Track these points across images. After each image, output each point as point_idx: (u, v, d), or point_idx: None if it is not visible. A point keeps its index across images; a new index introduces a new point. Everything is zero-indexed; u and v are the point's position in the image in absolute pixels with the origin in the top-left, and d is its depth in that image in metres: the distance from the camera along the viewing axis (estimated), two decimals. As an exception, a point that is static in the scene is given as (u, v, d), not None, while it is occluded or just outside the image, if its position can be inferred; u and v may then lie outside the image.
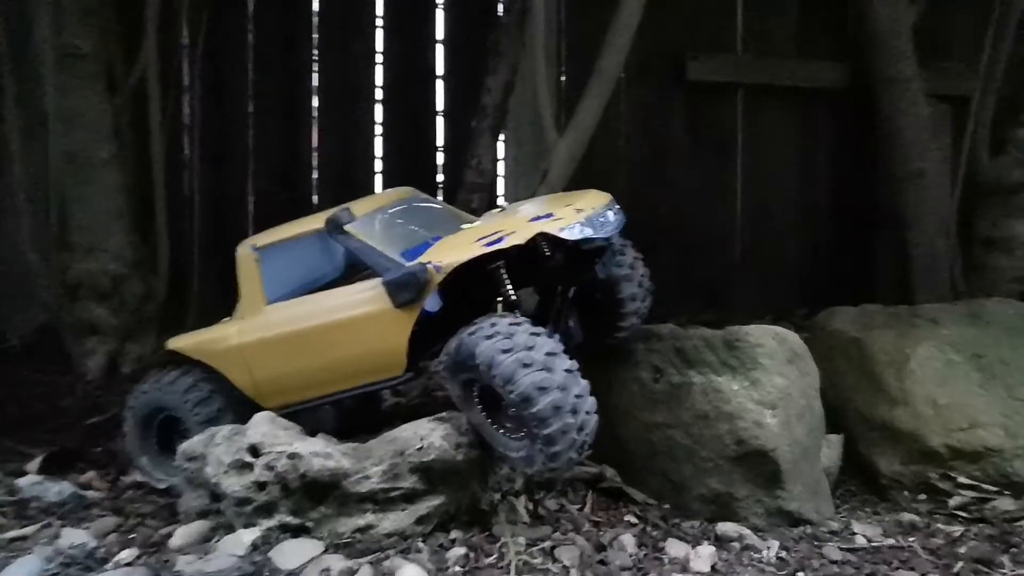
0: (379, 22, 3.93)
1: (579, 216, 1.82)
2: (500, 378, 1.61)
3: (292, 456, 1.75)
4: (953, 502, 2.12)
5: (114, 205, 3.04)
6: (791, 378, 2.04)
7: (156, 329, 3.20)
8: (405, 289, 1.77)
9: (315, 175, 3.87)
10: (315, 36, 3.83)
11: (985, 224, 3.54)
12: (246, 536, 1.72)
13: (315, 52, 3.81)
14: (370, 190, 3.98)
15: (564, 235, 1.77)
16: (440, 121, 4.08)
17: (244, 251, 2.03)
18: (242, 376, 1.98)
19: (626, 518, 1.99)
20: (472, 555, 1.72)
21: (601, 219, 1.87)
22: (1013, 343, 2.40)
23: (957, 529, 1.98)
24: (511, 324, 1.67)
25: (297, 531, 1.76)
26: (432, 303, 1.86)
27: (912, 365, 2.30)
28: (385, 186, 3.99)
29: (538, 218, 1.81)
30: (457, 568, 1.67)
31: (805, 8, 4.31)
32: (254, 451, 1.78)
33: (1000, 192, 3.50)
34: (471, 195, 3.23)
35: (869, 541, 1.92)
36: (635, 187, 4.07)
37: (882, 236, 4.06)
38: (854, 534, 1.96)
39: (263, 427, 1.82)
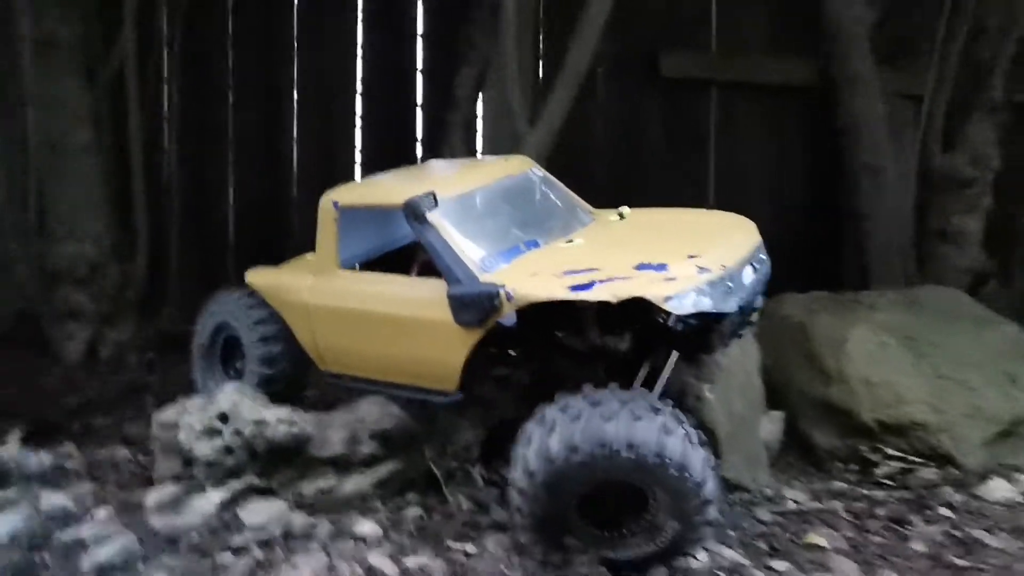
0: (359, 16, 4.02)
1: (700, 279, 1.47)
2: (676, 467, 1.36)
3: (259, 423, 1.88)
4: (880, 471, 2.28)
5: (93, 192, 3.10)
6: (731, 356, 2.18)
7: (135, 315, 3.28)
8: (470, 309, 1.56)
9: (295, 165, 3.97)
10: (295, 28, 3.89)
11: (937, 217, 3.68)
12: (215, 496, 1.84)
13: (295, 44, 3.88)
14: (350, 180, 4.08)
15: (669, 307, 1.45)
16: (419, 114, 4.19)
17: (327, 204, 1.90)
18: (305, 334, 1.94)
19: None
20: (426, 515, 1.86)
21: (731, 283, 1.52)
22: (943, 327, 2.56)
23: (880, 494, 2.14)
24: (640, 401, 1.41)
25: (263, 492, 1.89)
26: (508, 319, 1.63)
27: (848, 347, 2.45)
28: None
29: (646, 266, 1.50)
30: (411, 526, 1.80)
31: (777, 7, 4.41)
32: (224, 418, 1.91)
33: (952, 187, 3.63)
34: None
35: (798, 505, 2.07)
36: (612, 178, 4.18)
37: (848, 227, 4.20)
38: (785, 499, 2.11)
39: (232, 396, 1.94)
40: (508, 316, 1.60)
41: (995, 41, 3.46)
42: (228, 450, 1.88)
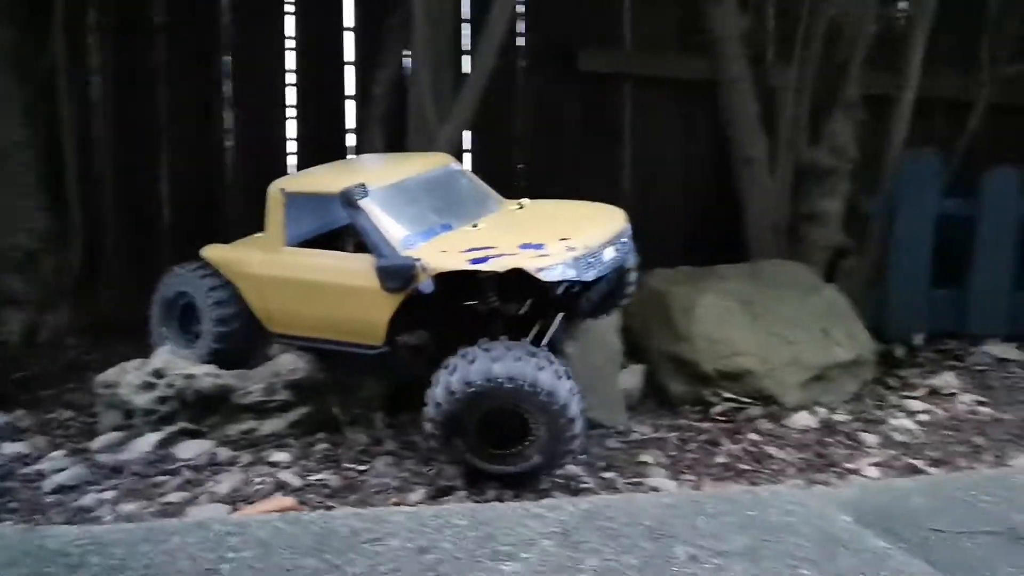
0: (289, 8, 4.17)
1: (567, 255, 1.90)
2: (545, 393, 1.81)
3: (188, 376, 2.26)
4: (716, 410, 2.79)
5: (27, 184, 3.31)
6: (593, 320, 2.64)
7: (71, 300, 3.50)
8: (393, 278, 1.97)
9: (228, 153, 4.20)
10: (225, 18, 4.03)
11: (805, 202, 4.21)
12: (152, 437, 2.22)
13: (227, 35, 4.04)
14: (282, 170, 4.32)
15: (541, 276, 1.88)
16: (350, 105, 4.48)
17: (275, 191, 2.27)
18: (256, 299, 2.30)
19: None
20: (332, 449, 2.28)
21: (591, 259, 1.95)
22: (777, 294, 3.09)
23: (708, 426, 2.65)
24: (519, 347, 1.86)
25: (194, 434, 2.28)
26: (426, 286, 2.02)
27: (697, 311, 2.95)
28: (298, 167, 4.34)
29: (528, 246, 1.93)
30: (318, 455, 2.22)
31: (685, 7, 4.81)
32: (158, 374, 2.28)
33: (816, 175, 4.17)
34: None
35: (642, 436, 2.57)
36: (533, 168, 4.55)
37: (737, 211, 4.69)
38: (633, 432, 2.60)
39: (165, 356, 2.32)
40: (426, 284, 2.03)
41: (849, 46, 3.97)
42: (163, 400, 2.26)
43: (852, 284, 3.88)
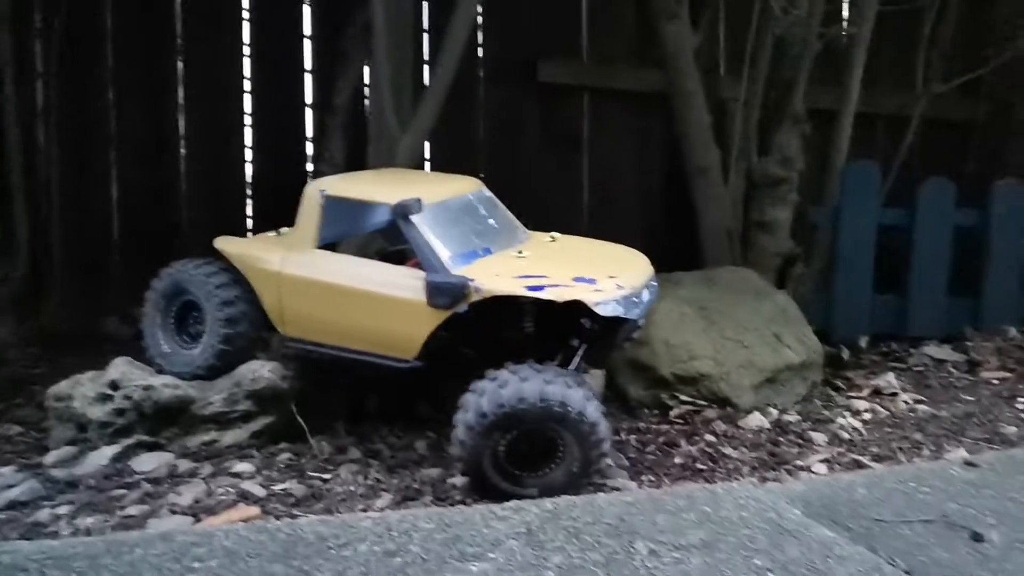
0: (245, 15, 4.16)
1: (618, 293, 1.99)
2: (576, 413, 1.87)
3: (147, 388, 2.22)
4: (673, 413, 2.88)
5: None
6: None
7: (15, 311, 3.39)
8: (443, 295, 1.97)
9: (183, 160, 4.10)
10: (179, 22, 3.96)
11: (756, 210, 4.38)
12: (108, 451, 2.17)
13: (179, 40, 3.98)
14: (239, 179, 4.27)
15: (599, 310, 1.95)
16: (308, 113, 4.46)
17: (313, 192, 2.19)
18: (271, 299, 2.18)
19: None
20: (295, 459, 2.27)
21: (636, 299, 2.04)
22: (730, 299, 3.21)
23: (666, 428, 2.73)
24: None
25: (153, 447, 2.24)
26: (464, 307, 2.03)
27: (655, 316, 3.04)
28: (255, 175, 4.30)
29: (581, 279, 1.99)
30: (281, 465, 2.21)
31: (641, 22, 4.96)
32: (114, 386, 2.24)
33: (766, 185, 4.34)
34: (325, 183, 3.69)
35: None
36: (494, 176, 4.59)
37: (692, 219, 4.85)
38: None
39: (122, 367, 2.27)
40: (462, 305, 2.03)
41: (795, 64, 4.16)
42: (119, 412, 2.21)
43: (801, 290, 4.06)
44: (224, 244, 2.28)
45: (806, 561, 1.58)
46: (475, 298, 1.97)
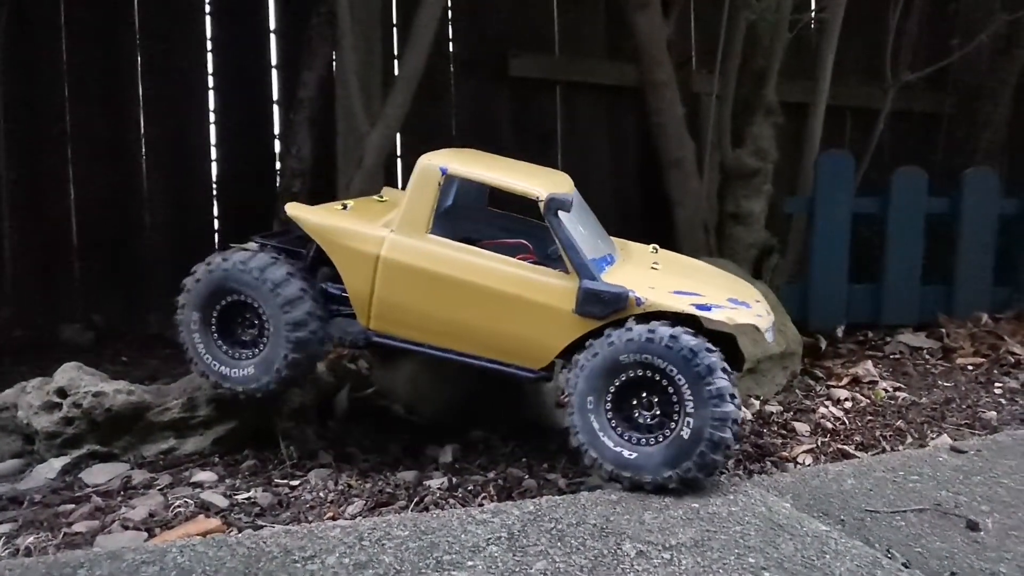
0: (208, 9, 4.01)
1: (769, 319, 1.88)
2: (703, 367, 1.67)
3: (97, 394, 2.07)
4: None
5: None
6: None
7: None
8: (598, 304, 1.75)
9: (144, 158, 3.96)
10: (137, 18, 3.81)
11: (730, 202, 4.35)
12: (56, 463, 2.02)
13: (138, 33, 3.82)
14: (204, 178, 4.10)
15: (767, 337, 1.86)
16: (275, 109, 4.31)
17: (430, 165, 1.88)
18: (360, 285, 1.85)
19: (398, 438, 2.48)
20: (261, 466, 2.14)
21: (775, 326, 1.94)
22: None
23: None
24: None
25: (105, 457, 2.09)
26: (615, 318, 1.80)
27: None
28: (221, 173, 4.13)
29: (735, 301, 1.84)
30: (245, 472, 2.08)
31: (612, 15, 4.93)
32: (62, 393, 2.08)
33: (741, 176, 4.32)
34: (292, 180, 3.56)
35: (584, 437, 2.53)
36: (465, 170, 4.51)
37: (666, 211, 4.82)
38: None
39: (70, 373, 2.12)
40: (614, 316, 1.80)
41: (767, 54, 4.14)
42: (68, 421, 2.06)
43: (777, 280, 4.04)
44: (302, 212, 1.91)
45: (802, 558, 1.51)
46: (636, 311, 1.76)
